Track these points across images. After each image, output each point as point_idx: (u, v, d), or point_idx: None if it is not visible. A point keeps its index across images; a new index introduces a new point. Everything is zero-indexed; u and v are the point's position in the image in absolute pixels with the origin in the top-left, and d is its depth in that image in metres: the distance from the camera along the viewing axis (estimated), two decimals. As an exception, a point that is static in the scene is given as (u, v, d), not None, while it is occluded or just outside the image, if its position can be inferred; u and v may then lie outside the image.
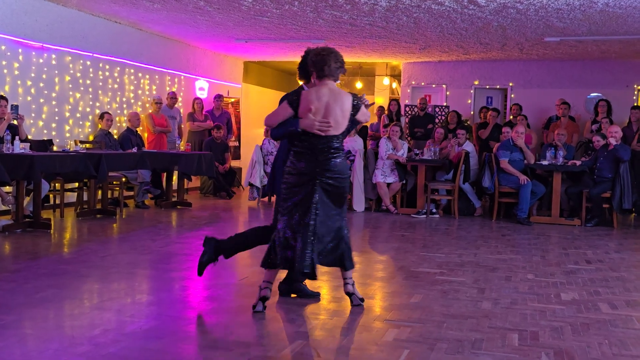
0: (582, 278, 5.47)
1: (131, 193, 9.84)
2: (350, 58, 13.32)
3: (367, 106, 4.44)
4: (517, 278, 5.39)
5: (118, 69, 10.27)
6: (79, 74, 9.41)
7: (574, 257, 6.48)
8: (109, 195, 9.24)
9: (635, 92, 12.44)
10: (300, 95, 4.15)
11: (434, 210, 9.66)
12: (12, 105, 7.58)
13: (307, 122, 4.04)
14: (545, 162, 9.19)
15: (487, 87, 13.23)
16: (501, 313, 4.25)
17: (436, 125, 11.61)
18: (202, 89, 12.78)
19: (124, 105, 10.50)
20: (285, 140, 4.40)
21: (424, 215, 9.47)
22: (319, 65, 4.13)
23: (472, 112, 13.15)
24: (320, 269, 4.76)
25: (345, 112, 4.14)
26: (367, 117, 4.41)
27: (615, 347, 3.60)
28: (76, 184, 8.72)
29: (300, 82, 4.60)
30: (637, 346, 3.64)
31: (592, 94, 12.44)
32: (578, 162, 9.13)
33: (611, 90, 12.25)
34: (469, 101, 13.32)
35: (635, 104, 11.81)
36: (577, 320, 4.14)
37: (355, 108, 4.20)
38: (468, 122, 12.43)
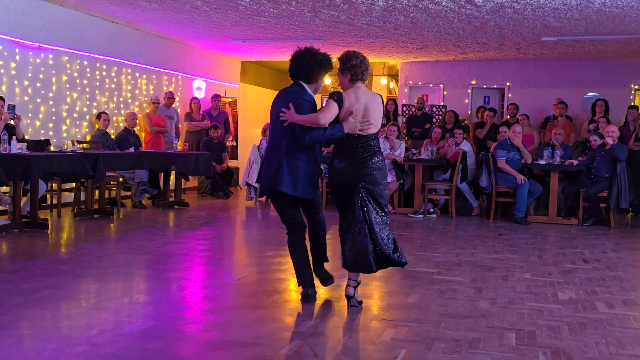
0: (579, 277, 5.48)
1: (128, 193, 9.83)
2: (347, 58, 13.32)
3: None
4: (515, 277, 5.40)
5: (115, 68, 10.26)
6: (76, 74, 9.39)
7: (571, 257, 6.49)
8: (106, 195, 9.23)
9: (632, 92, 12.46)
10: (342, 97, 4.22)
11: (432, 210, 9.66)
12: (9, 105, 7.57)
13: (350, 125, 4.18)
14: (542, 162, 9.20)
15: (485, 86, 13.24)
16: (498, 312, 4.25)
17: (433, 125, 11.62)
18: (200, 88, 12.77)
19: (121, 105, 10.48)
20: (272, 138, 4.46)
21: (422, 215, 9.47)
22: (358, 68, 4.27)
23: (469, 112, 13.16)
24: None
25: (382, 110, 4.41)
26: None
27: (613, 347, 3.61)
28: (73, 184, 8.70)
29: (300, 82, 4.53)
30: (634, 345, 3.64)
31: (589, 94, 12.46)
32: (575, 162, 9.14)
33: (608, 89, 12.27)
34: (466, 101, 13.33)
35: (632, 104, 11.83)
36: (575, 319, 4.15)
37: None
38: (465, 122, 12.43)
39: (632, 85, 12.44)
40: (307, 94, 4.42)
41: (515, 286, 5.07)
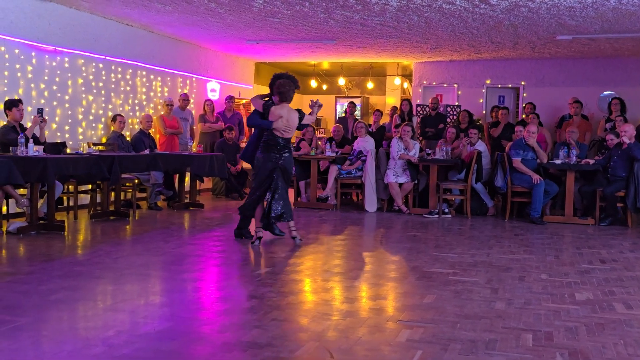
0: (597, 278, 5.43)
1: (144, 195, 9.88)
2: (361, 58, 13.32)
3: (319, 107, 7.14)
4: (531, 278, 5.36)
5: (130, 71, 10.33)
6: (91, 77, 9.47)
7: (588, 257, 6.44)
8: (122, 197, 9.28)
9: (649, 90, 12.34)
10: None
11: (447, 210, 9.62)
12: (38, 108, 7.72)
13: (279, 124, 6.56)
14: (558, 161, 9.13)
15: (499, 86, 13.18)
16: (515, 313, 4.22)
17: (448, 125, 11.58)
18: (214, 90, 12.82)
19: (136, 108, 10.55)
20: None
21: (436, 215, 9.44)
22: (287, 94, 6.78)
23: (484, 112, 13.10)
24: (333, 270, 4.83)
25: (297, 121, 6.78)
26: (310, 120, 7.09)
27: (631, 348, 3.57)
28: (89, 186, 8.77)
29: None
30: (652, 346, 3.61)
31: (605, 92, 12.36)
32: (591, 161, 9.06)
33: (624, 88, 12.15)
34: (481, 100, 13.28)
35: (649, 102, 11.71)
36: (592, 320, 4.11)
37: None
38: (480, 122, 12.37)
39: (649, 84, 12.33)
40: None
41: (532, 287, 5.04)
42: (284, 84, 6.66)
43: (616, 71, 12.42)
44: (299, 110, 6.78)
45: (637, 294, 4.86)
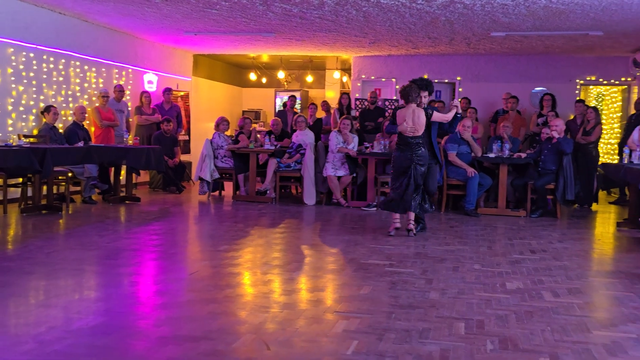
0: (527, 267, 5.63)
1: (78, 188, 9.63)
2: (300, 51, 13.32)
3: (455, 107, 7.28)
4: (464, 268, 5.51)
5: (63, 61, 10.03)
6: (21, 67, 9.15)
7: (519, 247, 6.65)
8: (55, 191, 9.03)
9: (578, 87, 12.82)
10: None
11: (384, 203, 9.74)
12: None
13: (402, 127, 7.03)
14: (492, 155, 9.39)
15: (436, 81, 13.38)
16: (448, 303, 4.33)
17: (385, 119, 11.71)
18: (151, 82, 12.59)
19: (70, 99, 10.26)
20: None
21: (375, 208, 9.56)
22: (409, 96, 7.10)
23: (421, 106, 13.30)
24: (271, 263, 4.85)
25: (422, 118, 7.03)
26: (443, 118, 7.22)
27: (557, 334, 3.72)
28: (20, 179, 8.48)
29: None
30: (577, 332, 3.76)
31: (536, 88, 12.76)
32: (523, 155, 9.35)
33: (555, 84, 12.59)
34: (418, 95, 13.46)
35: (578, 98, 12.16)
36: (522, 308, 4.26)
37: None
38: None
39: (577, 80, 12.81)
40: None
41: (465, 277, 5.17)
42: (404, 87, 7.10)
43: (547, 68, 12.85)
44: (425, 108, 7.07)
45: (564, 283, 5.06)
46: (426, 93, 7.28)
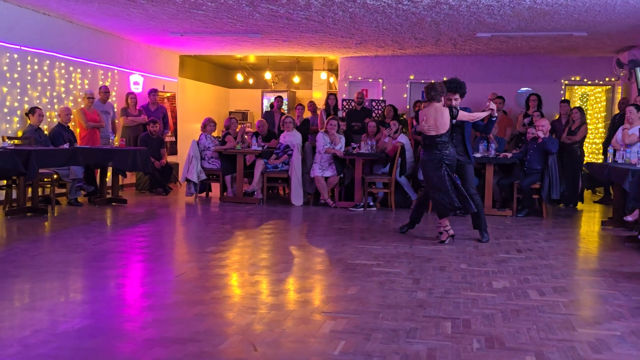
0: (513, 266, 5.66)
1: (63, 190, 9.57)
2: (287, 52, 13.32)
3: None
4: (451, 268, 5.53)
5: (48, 62, 9.96)
6: (5, 68, 9.08)
7: (505, 247, 6.69)
8: (40, 193, 8.97)
9: (563, 87, 12.91)
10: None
11: (372, 203, 9.78)
12: None
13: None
14: (478, 155, 9.42)
15: (423, 81, 13.45)
16: (435, 302, 4.35)
17: (370, 119, 11.73)
18: (137, 83, 12.53)
19: (55, 100, 10.19)
20: None
21: (362, 209, 9.57)
22: (430, 94, 7.04)
23: (408, 106, 13.36)
24: (259, 264, 4.84)
25: (444, 116, 6.87)
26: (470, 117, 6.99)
27: (543, 332, 3.74)
28: (4, 182, 8.41)
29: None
30: (562, 330, 3.79)
31: (522, 89, 12.84)
32: (509, 155, 9.40)
33: (540, 84, 12.68)
34: (405, 95, 13.53)
35: (563, 98, 12.25)
36: (508, 307, 4.28)
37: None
38: (404, 117, 12.61)
39: (562, 80, 12.90)
40: None
41: (452, 276, 5.20)
42: (428, 86, 6.99)
43: (532, 68, 12.93)
44: (450, 107, 6.87)
45: (550, 281, 5.10)
46: (457, 96, 7.00)
